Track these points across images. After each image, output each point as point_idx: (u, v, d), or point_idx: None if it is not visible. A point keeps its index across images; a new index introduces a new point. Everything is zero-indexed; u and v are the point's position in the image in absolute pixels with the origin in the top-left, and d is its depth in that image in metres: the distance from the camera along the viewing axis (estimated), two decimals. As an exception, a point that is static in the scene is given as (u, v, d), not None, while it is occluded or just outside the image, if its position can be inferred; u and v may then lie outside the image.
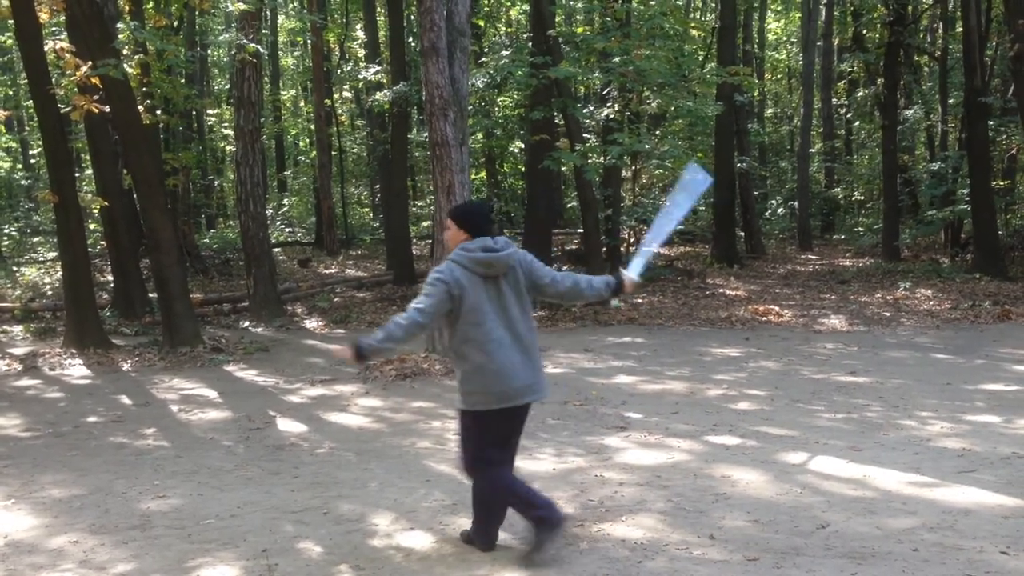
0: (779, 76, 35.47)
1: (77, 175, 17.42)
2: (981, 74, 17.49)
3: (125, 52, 13.91)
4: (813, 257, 22.38)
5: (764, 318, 13.38)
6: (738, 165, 22.02)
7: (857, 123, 29.59)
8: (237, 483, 5.95)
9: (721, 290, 16.61)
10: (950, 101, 21.84)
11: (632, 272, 4.69)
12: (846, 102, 28.88)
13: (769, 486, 5.56)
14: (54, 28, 16.35)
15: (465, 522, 5.00)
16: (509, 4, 26.82)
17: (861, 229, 26.13)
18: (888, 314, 13.44)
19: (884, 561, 4.33)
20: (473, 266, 4.31)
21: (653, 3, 17.04)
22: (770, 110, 35.62)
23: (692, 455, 6.35)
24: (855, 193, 28.64)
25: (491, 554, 4.52)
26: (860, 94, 26.63)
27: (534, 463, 6.22)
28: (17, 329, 13.64)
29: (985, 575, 4.16)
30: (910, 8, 21.36)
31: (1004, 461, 5.99)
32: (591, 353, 10.95)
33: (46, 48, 12.05)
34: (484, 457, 4.42)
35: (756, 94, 29.40)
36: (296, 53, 35.91)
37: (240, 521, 5.16)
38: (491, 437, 4.43)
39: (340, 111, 31.23)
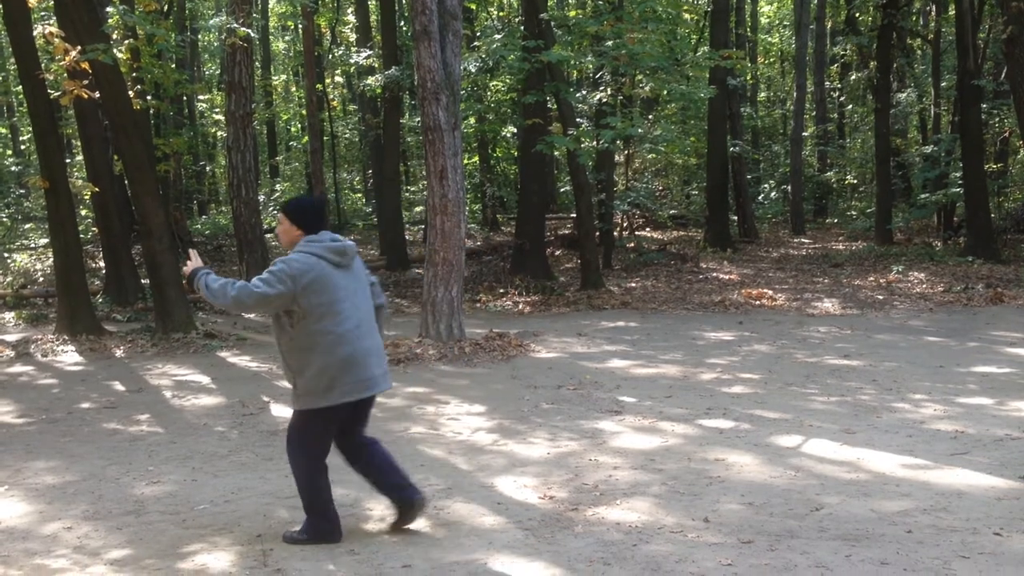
0: (772, 59, 35.38)
1: (68, 161, 17.32)
2: (974, 57, 17.48)
3: (115, 37, 13.80)
4: (806, 241, 22.42)
5: (757, 302, 13.40)
6: (731, 149, 22.00)
7: (850, 106, 29.58)
8: (231, 468, 5.95)
9: (714, 274, 16.62)
10: (943, 84, 21.83)
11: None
12: (839, 85, 28.86)
13: (763, 469, 5.57)
14: (43, 12, 16.22)
15: (460, 506, 5.02)
16: (501, -13, 26.66)
17: (854, 213, 26.19)
18: (881, 297, 13.47)
19: (878, 543, 4.35)
20: (329, 255, 4.31)
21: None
22: (763, 94, 35.57)
23: (686, 439, 6.36)
24: (848, 177, 28.67)
25: (486, 537, 4.53)
26: (853, 77, 26.62)
27: (528, 448, 6.22)
28: (9, 316, 13.60)
29: (979, 556, 4.17)
30: (903, -10, 21.31)
31: (997, 443, 6.01)
32: (584, 337, 10.95)
33: (35, 33, 11.96)
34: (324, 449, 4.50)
35: (749, 78, 29.31)
36: (287, 37, 35.71)
37: (234, 506, 5.15)
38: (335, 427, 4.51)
39: (332, 96, 31.08)
